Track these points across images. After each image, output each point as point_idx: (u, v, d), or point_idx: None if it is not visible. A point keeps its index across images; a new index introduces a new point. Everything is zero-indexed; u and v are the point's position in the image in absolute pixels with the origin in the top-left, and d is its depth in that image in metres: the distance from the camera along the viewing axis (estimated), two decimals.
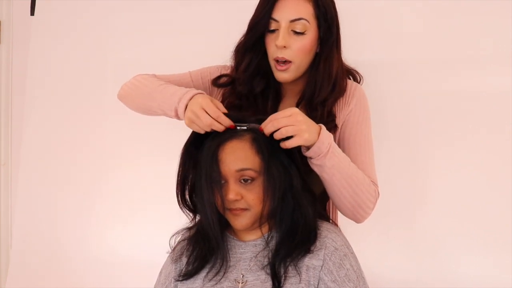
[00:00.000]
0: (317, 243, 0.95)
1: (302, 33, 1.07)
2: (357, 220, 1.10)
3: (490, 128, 1.43)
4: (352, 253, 0.98)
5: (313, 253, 0.94)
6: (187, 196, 1.02)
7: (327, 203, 1.22)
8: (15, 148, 2.03)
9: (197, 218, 1.04)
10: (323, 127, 0.98)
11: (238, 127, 0.95)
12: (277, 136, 0.93)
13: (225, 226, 0.99)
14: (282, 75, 1.11)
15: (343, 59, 1.18)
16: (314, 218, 0.98)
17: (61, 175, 1.89)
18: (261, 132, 0.95)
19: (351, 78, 1.24)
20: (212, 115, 0.95)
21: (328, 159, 0.98)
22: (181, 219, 1.05)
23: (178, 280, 0.99)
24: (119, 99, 1.23)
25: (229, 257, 0.98)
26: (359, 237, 1.15)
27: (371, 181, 1.09)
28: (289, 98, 1.19)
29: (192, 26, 1.72)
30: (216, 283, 0.96)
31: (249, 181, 0.93)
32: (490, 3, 1.41)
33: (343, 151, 1.05)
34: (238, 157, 0.92)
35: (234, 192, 0.92)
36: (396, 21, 1.51)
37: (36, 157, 1.92)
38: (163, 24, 1.76)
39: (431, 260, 1.48)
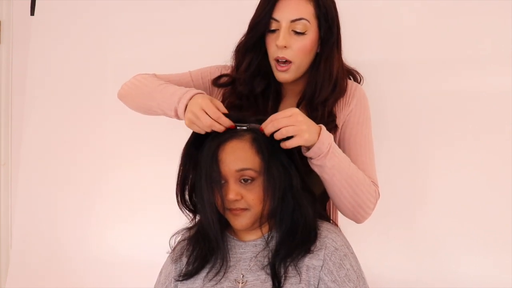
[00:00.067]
0: (317, 243, 0.95)
1: (302, 33, 1.07)
2: (357, 221, 1.10)
3: (490, 128, 1.43)
4: (352, 253, 0.98)
5: (313, 253, 0.94)
6: (187, 197, 1.02)
7: (327, 203, 1.22)
8: (15, 148, 2.03)
9: (197, 218, 1.04)
10: (323, 128, 0.98)
11: (238, 127, 0.95)
12: (277, 136, 0.93)
13: (225, 226, 0.99)
14: (283, 75, 1.11)
15: (343, 59, 1.18)
16: (314, 218, 0.98)
17: (61, 175, 1.89)
18: (261, 132, 0.95)
19: (352, 78, 1.24)
20: (212, 116, 0.95)
21: (328, 159, 0.97)
22: (181, 219, 1.05)
23: (178, 280, 0.99)
24: (119, 99, 1.23)
25: (229, 257, 0.98)
26: (359, 237, 1.15)
27: (372, 181, 1.09)
28: (289, 98, 1.19)
29: (192, 26, 1.72)
30: (216, 283, 0.96)
31: (249, 181, 0.93)
32: (489, 3, 1.41)
33: (344, 151, 1.05)
34: (238, 157, 0.92)
35: (234, 192, 0.92)
36: (396, 21, 1.51)
37: (36, 157, 1.92)
38: (163, 24, 1.76)
39: (431, 260, 1.48)
